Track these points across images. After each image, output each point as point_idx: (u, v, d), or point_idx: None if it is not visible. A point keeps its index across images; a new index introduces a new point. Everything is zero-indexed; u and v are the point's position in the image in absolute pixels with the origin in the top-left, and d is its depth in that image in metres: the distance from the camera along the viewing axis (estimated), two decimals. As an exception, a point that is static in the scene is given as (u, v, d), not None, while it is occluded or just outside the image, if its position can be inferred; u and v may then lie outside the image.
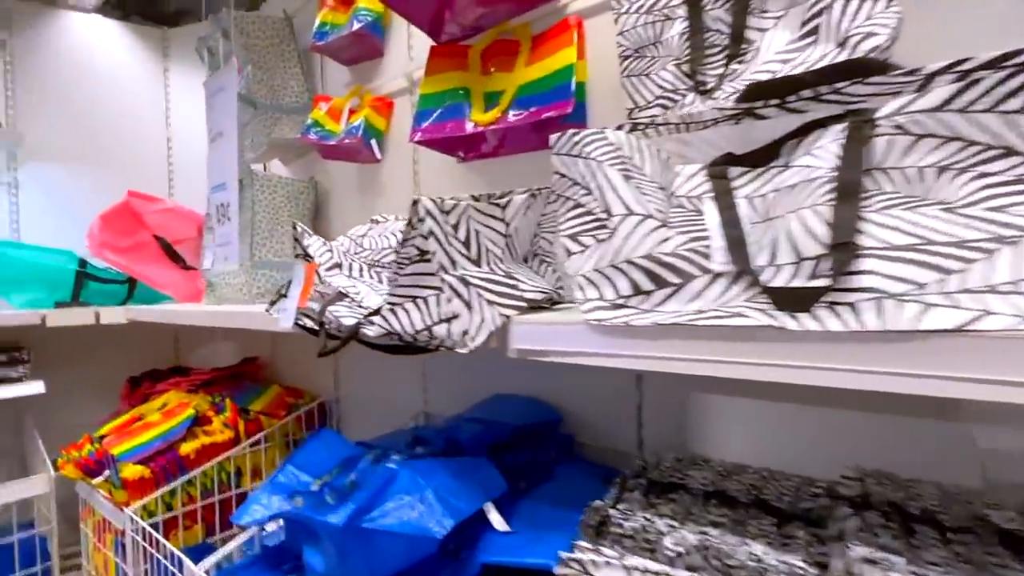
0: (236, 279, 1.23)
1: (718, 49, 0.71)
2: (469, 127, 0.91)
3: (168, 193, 1.80)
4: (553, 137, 0.56)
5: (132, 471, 1.04)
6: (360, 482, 0.73)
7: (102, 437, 1.19)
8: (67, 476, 1.14)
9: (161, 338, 1.75)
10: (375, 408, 1.31)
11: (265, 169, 1.56)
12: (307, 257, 0.73)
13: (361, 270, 0.72)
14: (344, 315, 0.61)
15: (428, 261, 0.50)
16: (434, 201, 0.51)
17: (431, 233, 0.49)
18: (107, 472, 1.07)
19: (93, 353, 1.64)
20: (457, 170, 1.10)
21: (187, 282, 1.52)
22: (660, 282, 0.44)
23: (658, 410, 0.82)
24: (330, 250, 0.71)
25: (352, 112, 1.23)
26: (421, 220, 0.50)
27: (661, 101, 0.73)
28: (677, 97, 0.72)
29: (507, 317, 0.51)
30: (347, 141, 1.16)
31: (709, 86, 0.70)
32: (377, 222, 0.89)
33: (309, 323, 0.67)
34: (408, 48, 1.18)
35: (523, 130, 0.93)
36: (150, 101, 1.80)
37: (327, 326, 0.62)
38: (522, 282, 0.55)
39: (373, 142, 1.20)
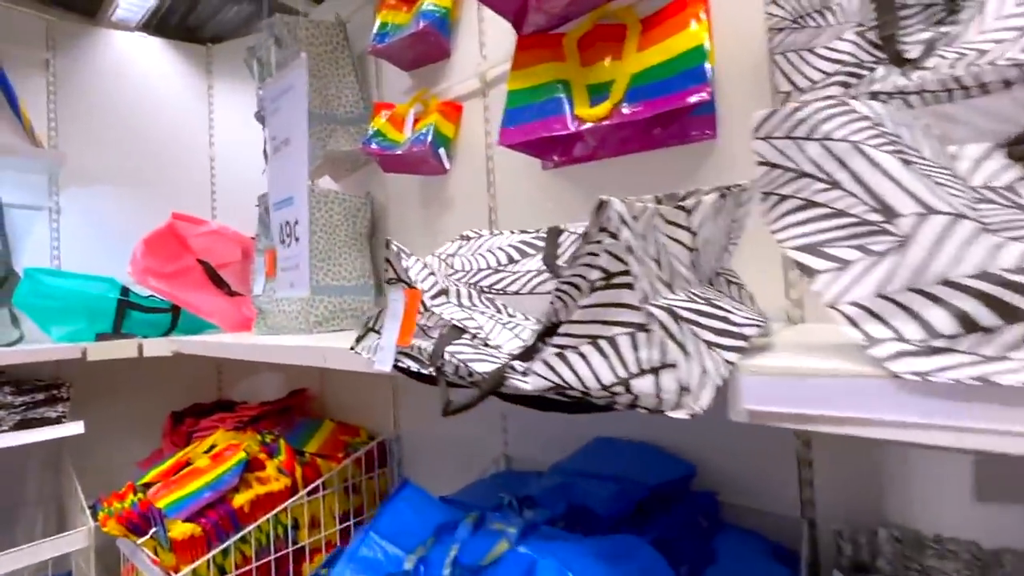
0: (291, 306, 1.11)
1: (916, 9, 0.57)
2: (573, 124, 0.78)
3: (211, 215, 1.71)
4: (758, 115, 0.41)
5: (181, 530, 0.91)
6: (470, 563, 0.58)
7: (146, 486, 1.07)
8: (109, 533, 1.01)
9: (203, 369, 1.65)
10: (443, 449, 1.17)
11: (313, 184, 1.46)
12: (401, 282, 0.60)
13: (471, 296, 0.58)
14: (470, 357, 0.47)
15: (625, 287, 0.35)
16: (624, 203, 0.36)
17: (629, 249, 0.35)
18: (154, 529, 0.94)
19: (133, 386, 1.54)
20: (542, 178, 0.96)
21: (233, 309, 1.41)
22: (1011, 313, 0.29)
23: (830, 463, 0.66)
24: (433, 273, 0.58)
25: (417, 119, 1.11)
26: (608, 231, 0.36)
27: (841, 77, 0.59)
28: (864, 71, 0.58)
29: (731, 364, 0.36)
30: (415, 149, 1.04)
31: (910, 54, 0.55)
32: (468, 238, 0.76)
33: (414, 366, 0.53)
34: (480, 46, 1.07)
35: (632, 127, 0.79)
36: (193, 119, 1.73)
37: (444, 371, 0.48)
38: (731, 312, 0.40)
39: (441, 151, 1.08)
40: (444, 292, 0.56)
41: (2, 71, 1.38)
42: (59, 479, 1.43)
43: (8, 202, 1.38)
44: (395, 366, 0.54)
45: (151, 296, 1.39)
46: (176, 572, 0.89)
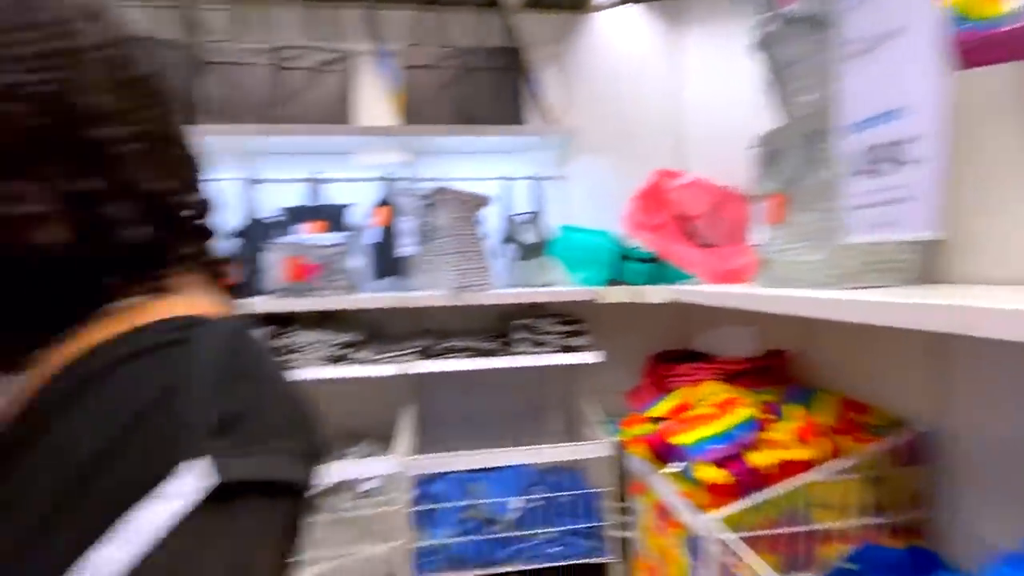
0: (809, 256, 0.96)
1: None
2: None
3: (683, 166, 1.76)
4: None
5: (711, 474, 0.93)
6: None
7: (656, 419, 1.17)
8: (634, 454, 1.16)
9: (672, 318, 1.73)
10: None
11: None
12: None
13: None
14: None
15: None
16: None
17: None
18: (682, 464, 1.01)
19: (616, 326, 1.75)
20: None
21: (712, 260, 1.39)
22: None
23: None
24: None
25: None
26: None
27: None
28: None
29: None
30: (1053, 15, 0.68)
31: None
32: None
33: None
34: None
35: None
36: (664, 76, 1.80)
37: None
38: None
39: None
40: None
41: (532, 72, 1.76)
42: (568, 394, 1.79)
43: (537, 175, 1.77)
44: None
45: (636, 248, 1.53)
46: (705, 511, 0.91)
